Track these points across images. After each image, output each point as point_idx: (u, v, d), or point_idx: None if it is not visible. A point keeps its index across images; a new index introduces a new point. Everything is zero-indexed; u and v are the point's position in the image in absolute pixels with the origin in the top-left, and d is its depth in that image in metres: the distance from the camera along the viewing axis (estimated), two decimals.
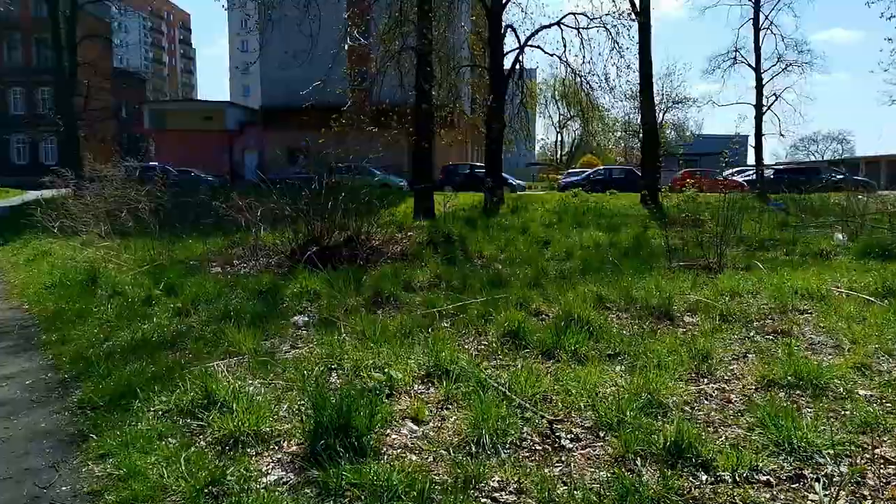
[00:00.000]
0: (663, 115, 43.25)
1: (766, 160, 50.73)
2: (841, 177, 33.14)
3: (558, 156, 61.42)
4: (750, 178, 40.68)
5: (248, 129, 44.60)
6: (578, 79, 23.89)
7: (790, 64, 27.70)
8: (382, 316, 6.30)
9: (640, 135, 25.56)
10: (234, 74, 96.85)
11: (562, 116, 56.31)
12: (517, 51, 25.11)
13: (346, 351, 5.05)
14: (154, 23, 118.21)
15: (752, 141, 28.25)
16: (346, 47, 45.95)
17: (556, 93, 46.77)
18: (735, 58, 29.73)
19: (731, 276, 7.95)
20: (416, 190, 18.09)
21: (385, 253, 9.58)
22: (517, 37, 25.56)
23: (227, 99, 71.51)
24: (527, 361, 4.80)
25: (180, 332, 6.06)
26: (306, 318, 6.25)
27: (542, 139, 66.83)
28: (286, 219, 10.59)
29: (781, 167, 34.25)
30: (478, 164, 33.41)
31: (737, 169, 49.97)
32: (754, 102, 27.82)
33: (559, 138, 59.00)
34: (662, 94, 34.35)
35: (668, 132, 46.38)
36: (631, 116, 42.27)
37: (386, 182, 30.80)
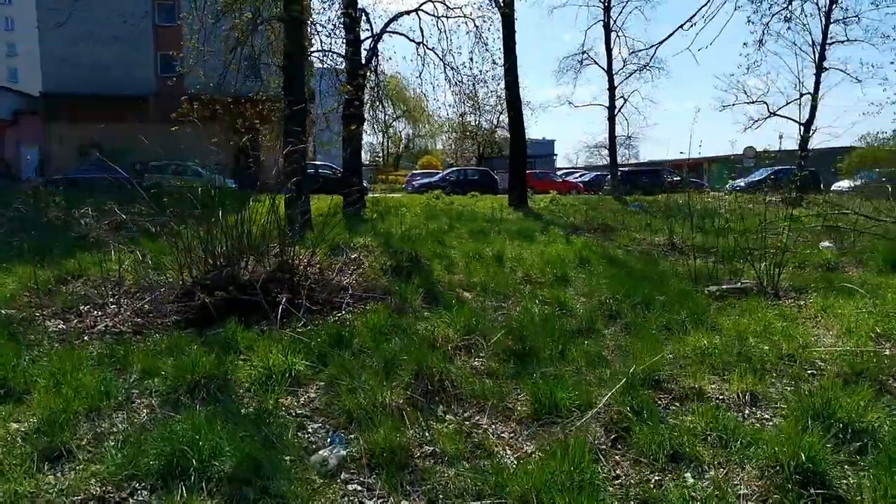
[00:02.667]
0: (499, 116, 42.65)
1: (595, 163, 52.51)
2: (678, 178, 34.60)
3: (384, 156, 59.25)
4: (584, 179, 41.63)
5: (25, 118, 37.20)
6: (450, 71, 21.81)
7: (643, 67, 27.87)
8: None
9: (509, 137, 24.04)
10: None
11: (388, 116, 54.25)
12: (374, 38, 22.57)
13: None
14: None
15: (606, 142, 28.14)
16: (153, 27, 39.88)
17: (383, 92, 44.30)
18: (582, 60, 29.45)
19: (833, 306, 6.14)
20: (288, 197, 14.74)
21: (339, 289, 6.56)
22: (370, 23, 23.03)
23: None
24: None
25: None
26: (339, 452, 3.26)
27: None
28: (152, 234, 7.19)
29: (627, 169, 34.95)
30: (321, 163, 30.13)
31: (566, 170, 51.42)
32: (607, 104, 27.62)
33: (385, 139, 56.82)
34: (499, 98, 33.28)
35: (500, 133, 46.03)
36: (465, 118, 41.14)
37: (215, 184, 26.64)
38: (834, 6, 26.36)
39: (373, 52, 22.75)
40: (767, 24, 24.38)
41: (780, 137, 55.54)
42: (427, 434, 3.46)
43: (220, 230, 6.79)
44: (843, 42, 28.20)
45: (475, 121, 42.86)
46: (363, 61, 21.85)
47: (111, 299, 7.09)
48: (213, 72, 17.75)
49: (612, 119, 27.62)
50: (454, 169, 35.01)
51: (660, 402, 3.92)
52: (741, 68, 31.08)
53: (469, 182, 30.12)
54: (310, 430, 3.63)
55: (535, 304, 6.65)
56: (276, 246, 7.24)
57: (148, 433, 3.48)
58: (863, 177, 31.94)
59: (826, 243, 10.30)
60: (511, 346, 4.89)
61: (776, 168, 34.89)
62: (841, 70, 28.98)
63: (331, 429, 3.62)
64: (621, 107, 27.91)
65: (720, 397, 3.98)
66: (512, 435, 3.50)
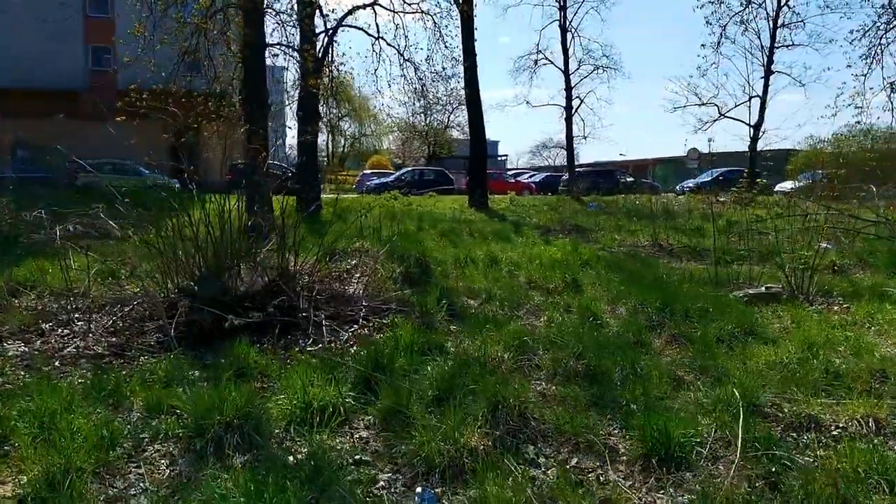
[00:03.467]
0: (449, 116, 42.23)
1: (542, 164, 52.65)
2: (632, 179, 34.82)
3: (328, 156, 57.89)
4: (535, 179, 41.52)
5: None
6: (409, 69, 21.13)
7: (598, 68, 27.81)
8: None
9: (469, 136, 23.50)
10: None
11: (334, 114, 53.03)
12: (330, 31, 21.69)
13: None
14: None
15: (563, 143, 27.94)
16: (84, 18, 37.63)
17: (337, 89, 43.03)
18: (536, 60, 29.21)
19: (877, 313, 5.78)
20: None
21: (347, 300, 5.82)
22: (323, 17, 22.15)
23: None
24: None
25: None
26: None
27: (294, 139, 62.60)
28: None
29: (582, 170, 34.95)
30: (274, 162, 28.92)
31: (514, 171, 51.25)
32: (564, 104, 27.43)
33: (332, 138, 55.42)
34: (449, 96, 32.67)
35: (453, 132, 45.61)
36: (417, 116, 40.69)
37: (157, 183, 25.23)
38: (781, 11, 26.90)
39: (328, 46, 21.89)
40: (725, 26, 24.64)
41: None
42: (536, 486, 2.83)
43: (208, 233, 5.97)
44: (788, 47, 28.88)
45: (427, 119, 42.33)
46: (319, 56, 20.97)
47: (77, 315, 6.17)
48: (157, 65, 16.69)
49: (569, 119, 27.46)
50: (409, 169, 34.26)
51: (773, 432, 3.40)
52: (700, 69, 31.41)
53: (425, 182, 29.45)
54: (382, 482, 2.95)
55: (558, 313, 6.08)
56: (260, 252, 6.47)
57: (182, 497, 2.73)
58: (805, 178, 32.80)
59: (825, 244, 10.10)
60: (571, 365, 4.29)
61: (724, 169, 35.56)
62: (786, 74, 29.63)
63: (408, 481, 2.94)
64: (577, 107, 27.80)
65: (838, 425, 3.49)
66: (635, 485, 2.90)
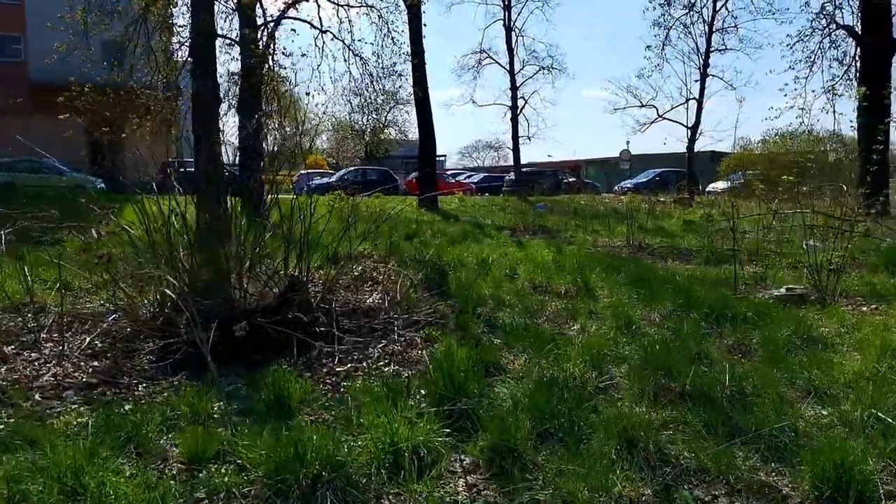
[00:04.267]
0: (386, 115, 41.35)
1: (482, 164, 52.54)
2: (573, 179, 35.02)
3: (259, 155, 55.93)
4: (473, 180, 41.26)
5: None
6: (355, 65, 20.38)
7: (543, 68, 27.73)
8: None
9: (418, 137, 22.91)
10: None
11: (260, 112, 51.20)
12: (272, 23, 20.68)
13: None
14: None
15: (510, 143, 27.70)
16: None
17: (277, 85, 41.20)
18: (480, 59, 28.93)
19: None
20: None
21: (367, 312, 5.16)
22: (263, 10, 21.12)
23: None
24: None
25: None
26: None
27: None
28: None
29: (525, 170, 34.84)
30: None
31: (451, 172, 50.86)
32: (510, 104, 27.22)
33: (266, 136, 53.40)
34: (388, 95, 31.77)
35: (389, 132, 44.72)
36: (352, 115, 39.76)
37: (81, 183, 23.48)
38: (719, 15, 27.56)
39: (270, 41, 20.85)
40: (669, 29, 24.99)
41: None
42: None
43: (191, 237, 5.21)
44: (721, 51, 29.67)
45: (365, 118, 41.40)
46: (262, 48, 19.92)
47: (44, 334, 5.26)
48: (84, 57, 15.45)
49: (514, 119, 27.28)
50: (353, 168, 33.27)
51: None
52: (646, 71, 31.83)
53: (369, 182, 28.56)
54: None
55: (590, 320, 5.62)
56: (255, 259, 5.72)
57: None
58: (735, 178, 33.85)
59: (811, 242, 10.07)
60: (662, 384, 3.82)
61: (659, 170, 36.29)
62: (719, 77, 30.38)
63: None
64: (522, 107, 27.65)
65: None
66: None
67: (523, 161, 35.04)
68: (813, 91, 18.60)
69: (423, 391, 3.61)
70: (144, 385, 4.32)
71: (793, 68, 19.10)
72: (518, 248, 11.15)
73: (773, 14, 37.77)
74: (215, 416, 3.62)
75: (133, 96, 16.63)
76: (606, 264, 8.75)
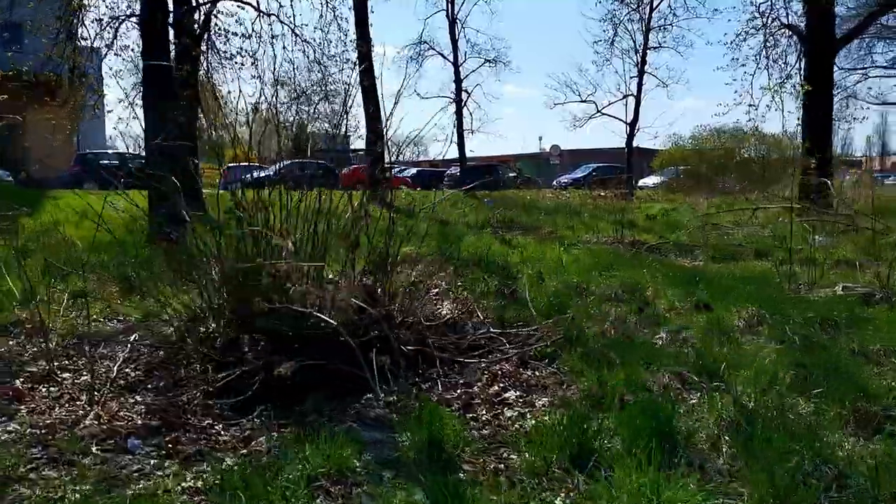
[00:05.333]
0: (315, 107, 39.86)
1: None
2: (514, 174, 34.81)
3: None
4: (408, 174, 40.48)
5: None
6: (299, 51, 19.30)
7: (487, 61, 27.30)
8: None
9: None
10: None
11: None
12: (207, 3, 19.24)
13: None
14: None
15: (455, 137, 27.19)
16: None
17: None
18: (420, 51, 28.24)
19: None
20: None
21: (445, 326, 4.45)
22: None
23: None
24: None
25: None
26: None
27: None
28: None
29: (470, 165, 34.33)
30: (131, 152, 25.43)
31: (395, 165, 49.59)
32: (454, 97, 26.68)
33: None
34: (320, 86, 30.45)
35: (318, 127, 43.23)
36: (281, 106, 38.01)
37: None
38: (659, 13, 27.97)
39: (205, 25, 19.41)
40: (618, 25, 25.09)
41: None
42: None
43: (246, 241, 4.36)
44: (656, 48, 30.19)
45: (296, 110, 39.63)
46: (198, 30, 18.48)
47: (59, 362, 4.27)
48: None
49: (459, 112, 26.76)
50: (293, 161, 31.78)
51: None
52: (595, 65, 31.90)
53: (310, 176, 27.40)
54: None
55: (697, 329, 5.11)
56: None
57: None
58: (666, 174, 34.67)
59: (819, 238, 10.03)
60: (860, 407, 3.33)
61: (595, 165, 36.76)
62: (653, 75, 30.91)
63: None
64: (466, 100, 27.17)
65: None
66: None
67: (449, 157, 34.65)
68: (761, 88, 18.80)
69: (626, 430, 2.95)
70: (220, 425, 3.47)
71: (743, 66, 19.40)
72: (508, 246, 10.58)
73: (720, 12, 38.75)
74: (357, 469, 2.86)
75: (36, 82, 15.06)
76: (629, 263, 8.33)
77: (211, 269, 4.46)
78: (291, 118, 25.73)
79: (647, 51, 28.87)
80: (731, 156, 32.82)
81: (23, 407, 3.65)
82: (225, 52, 23.24)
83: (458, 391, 3.89)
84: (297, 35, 19.95)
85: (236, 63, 22.67)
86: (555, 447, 2.83)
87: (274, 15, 19.84)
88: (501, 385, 3.91)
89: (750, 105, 19.39)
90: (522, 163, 51.77)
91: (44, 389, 3.91)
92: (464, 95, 26.84)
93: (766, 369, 3.75)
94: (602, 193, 25.14)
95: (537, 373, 4.04)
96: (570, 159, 46.09)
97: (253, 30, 19.96)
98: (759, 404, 3.23)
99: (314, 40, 21.21)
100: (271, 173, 22.92)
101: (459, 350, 4.21)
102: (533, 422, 3.38)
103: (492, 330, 4.27)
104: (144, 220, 11.58)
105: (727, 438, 2.95)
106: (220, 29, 20.01)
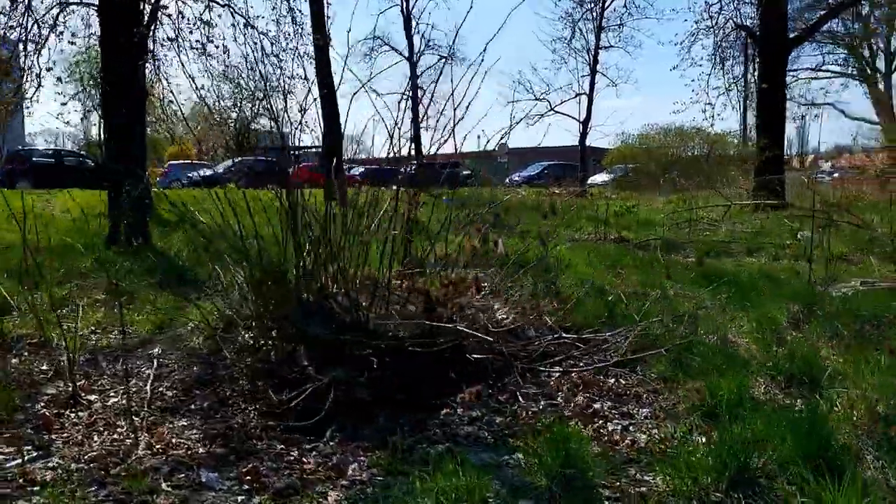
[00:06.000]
0: (259, 103, 38.77)
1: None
2: (468, 172, 34.55)
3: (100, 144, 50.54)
4: (355, 172, 39.80)
5: None
6: (251, 33, 18.44)
7: (444, 57, 26.92)
8: None
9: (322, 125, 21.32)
10: None
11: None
12: None
13: None
14: None
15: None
16: None
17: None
18: (374, 46, 27.71)
19: None
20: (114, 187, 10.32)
21: (509, 332, 4.13)
22: None
23: None
24: None
25: None
26: None
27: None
28: None
29: (427, 163, 33.84)
30: (66, 149, 23.96)
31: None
32: (410, 94, 26.23)
33: (99, 122, 47.98)
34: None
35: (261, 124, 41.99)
36: (222, 102, 36.85)
37: None
38: (612, 12, 28.27)
39: (153, 16, 18.40)
40: (577, 20, 25.18)
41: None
42: None
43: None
44: (606, 48, 30.53)
45: (239, 105, 38.46)
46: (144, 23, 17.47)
47: (84, 381, 3.74)
48: None
49: (415, 109, 26.27)
50: (241, 159, 30.57)
51: None
52: (554, 63, 31.87)
53: (258, 174, 26.47)
54: None
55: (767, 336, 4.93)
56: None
57: None
58: (615, 171, 35.13)
59: (805, 232, 10.12)
60: None
61: (547, 163, 36.93)
62: (604, 75, 31.22)
63: None
64: (421, 97, 26.73)
65: None
66: None
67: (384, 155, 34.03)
68: (715, 89, 19.10)
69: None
70: (297, 452, 3.06)
71: (700, 65, 19.75)
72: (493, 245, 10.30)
73: (670, 12, 39.39)
74: (489, 500, 2.52)
75: None
76: (631, 261, 8.18)
77: (252, 273, 4.00)
78: (235, 115, 24.66)
79: (599, 50, 29.13)
80: (677, 154, 33.51)
81: (54, 436, 3.15)
82: (174, 42, 22.14)
83: (542, 403, 3.58)
84: (251, 26, 19.10)
85: (186, 54, 21.67)
86: (707, 468, 2.55)
87: (227, 5, 18.97)
88: (586, 395, 3.62)
89: (707, 104, 19.71)
90: (471, 161, 51.67)
91: (72, 415, 3.40)
92: (419, 92, 26.42)
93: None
94: (556, 191, 25.20)
95: (621, 381, 3.77)
96: (518, 159, 46.23)
97: (202, 20, 19.05)
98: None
99: (269, 33, 20.41)
100: (219, 171, 21.87)
101: (531, 358, 3.89)
102: (645, 436, 3.12)
103: (564, 336, 3.97)
104: (99, 221, 10.81)
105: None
106: (170, 17, 19.07)
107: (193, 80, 20.59)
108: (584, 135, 30.10)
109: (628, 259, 8.22)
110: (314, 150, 33.64)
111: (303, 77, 25.31)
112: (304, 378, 3.47)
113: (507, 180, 34.93)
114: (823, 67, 29.38)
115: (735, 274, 7.05)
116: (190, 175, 27.86)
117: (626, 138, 34.04)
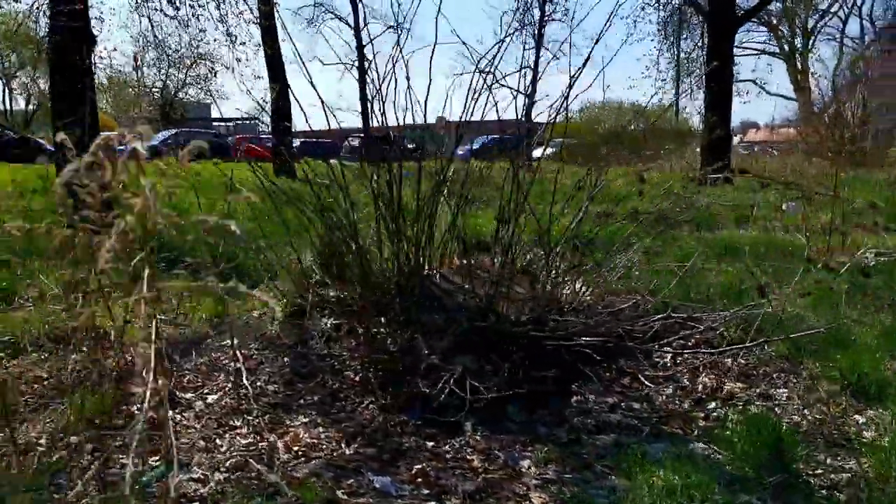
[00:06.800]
0: (187, 72, 36.88)
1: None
2: (413, 146, 34.08)
3: (6, 114, 47.00)
4: (296, 145, 38.71)
5: None
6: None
7: (390, 27, 26.23)
8: None
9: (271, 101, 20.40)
10: None
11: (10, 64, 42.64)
12: None
13: None
14: None
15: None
16: None
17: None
18: (317, 13, 26.73)
19: None
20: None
21: (606, 321, 3.97)
22: None
23: None
24: None
25: None
26: None
27: None
28: None
29: (372, 136, 33.11)
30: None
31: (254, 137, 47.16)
32: (356, 64, 25.50)
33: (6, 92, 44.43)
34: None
35: (189, 94, 40.02)
36: (146, 69, 35.45)
37: None
38: None
39: None
40: None
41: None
42: None
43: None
44: (548, 21, 30.52)
45: (164, 75, 36.79)
46: None
47: (157, 392, 3.35)
48: None
49: (362, 81, 25.56)
50: (176, 131, 28.97)
51: None
52: (508, 35, 31.41)
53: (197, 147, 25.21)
54: None
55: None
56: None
57: None
58: (554, 145, 35.55)
59: (791, 204, 10.38)
60: None
61: (490, 137, 36.87)
62: (547, 49, 31.21)
63: None
64: (368, 66, 26.02)
65: None
66: None
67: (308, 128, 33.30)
68: (668, 66, 19.43)
69: None
70: (453, 450, 2.83)
71: (652, 40, 20.00)
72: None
73: None
74: (717, 494, 2.37)
75: None
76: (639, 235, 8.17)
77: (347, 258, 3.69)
78: (160, 83, 23.49)
79: (544, 24, 29.07)
80: (619, 128, 34.10)
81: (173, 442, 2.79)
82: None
83: (670, 386, 3.46)
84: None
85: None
86: None
87: None
88: (712, 377, 3.52)
89: (661, 80, 20.04)
90: (412, 133, 51.18)
91: (177, 416, 3.04)
92: (366, 63, 25.75)
93: None
94: (501, 164, 25.22)
95: (740, 360, 3.69)
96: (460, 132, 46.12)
97: None
98: None
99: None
100: (157, 143, 21.06)
101: (643, 339, 3.75)
102: (797, 418, 3.04)
103: (673, 315, 3.85)
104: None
105: None
106: None
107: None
108: (529, 108, 30.02)
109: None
110: (257, 122, 32.16)
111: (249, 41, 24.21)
112: (427, 369, 3.21)
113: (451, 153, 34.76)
114: (744, 44, 30.25)
115: (753, 246, 7.13)
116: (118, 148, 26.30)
117: (567, 114, 34.31)
